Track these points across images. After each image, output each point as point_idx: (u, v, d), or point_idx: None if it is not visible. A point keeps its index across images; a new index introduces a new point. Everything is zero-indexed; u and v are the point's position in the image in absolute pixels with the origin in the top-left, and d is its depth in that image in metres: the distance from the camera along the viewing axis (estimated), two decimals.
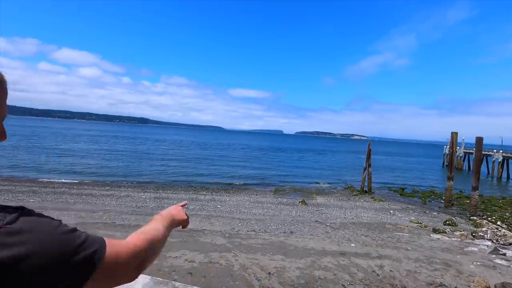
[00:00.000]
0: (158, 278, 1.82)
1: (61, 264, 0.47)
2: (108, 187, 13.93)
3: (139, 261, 0.64)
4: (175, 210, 0.99)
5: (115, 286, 0.60)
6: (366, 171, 17.02)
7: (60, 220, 0.56)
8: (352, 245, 6.51)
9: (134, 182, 16.23)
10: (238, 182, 18.74)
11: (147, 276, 1.86)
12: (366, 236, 7.62)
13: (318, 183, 20.31)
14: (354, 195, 16.00)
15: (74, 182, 14.93)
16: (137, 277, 0.67)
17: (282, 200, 13.39)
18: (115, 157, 28.37)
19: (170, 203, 10.99)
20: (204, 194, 13.61)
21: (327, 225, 8.74)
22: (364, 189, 16.95)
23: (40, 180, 15.01)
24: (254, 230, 7.60)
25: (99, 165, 21.93)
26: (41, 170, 18.18)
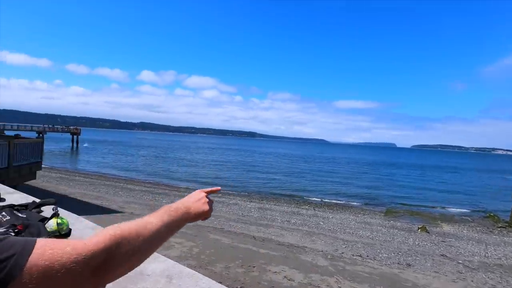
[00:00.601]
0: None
1: None
2: (220, 195, 15.48)
3: (96, 263, 0.48)
4: (194, 199, 0.78)
5: None
6: None
7: None
8: None
9: (242, 192, 17.50)
10: (343, 199, 17.55)
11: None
12: None
13: (444, 207, 16.78)
14: (500, 227, 12.35)
15: (193, 188, 17.28)
16: (104, 281, 0.51)
17: (396, 223, 11.64)
18: (226, 167, 31.63)
19: (273, 214, 11.23)
20: (306, 209, 13.32)
21: (460, 263, 6.96)
22: None
23: (170, 184, 18.17)
24: (360, 255, 6.80)
25: (214, 175, 24.88)
26: (171, 177, 22.07)
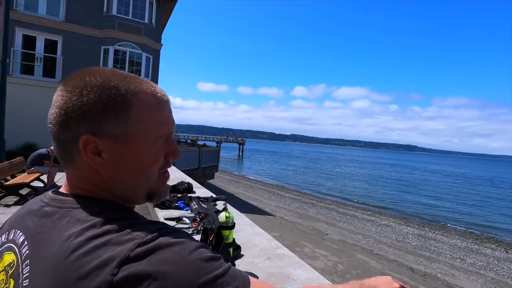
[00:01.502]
0: None
1: None
2: (370, 212, 14.24)
3: None
4: (385, 284, 0.61)
5: None
6: None
7: (203, 244, 0.47)
8: None
9: (397, 213, 15.37)
10: None
11: None
12: None
13: None
14: None
15: (341, 202, 16.82)
16: None
17: None
18: (379, 183, 28.77)
19: (438, 246, 9.18)
20: (492, 248, 10.02)
21: None
22: None
23: (317, 196, 18.43)
24: None
25: (365, 189, 23.23)
26: (318, 187, 22.36)
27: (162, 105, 0.52)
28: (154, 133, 0.51)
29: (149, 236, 0.42)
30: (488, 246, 10.38)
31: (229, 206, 3.23)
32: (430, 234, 10.95)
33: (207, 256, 0.43)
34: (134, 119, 0.48)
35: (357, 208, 15.12)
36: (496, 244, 10.76)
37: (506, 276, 7.02)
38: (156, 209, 2.98)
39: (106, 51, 12.44)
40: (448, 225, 13.62)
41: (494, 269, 7.53)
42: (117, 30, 12.26)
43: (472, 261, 7.94)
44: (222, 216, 1.81)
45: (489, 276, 6.81)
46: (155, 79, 14.49)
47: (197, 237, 1.99)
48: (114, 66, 12.86)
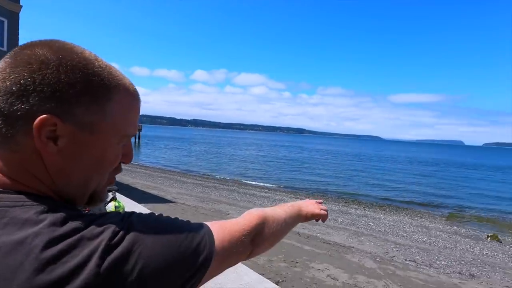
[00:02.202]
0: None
1: (175, 276, 0.42)
2: (266, 190, 15.70)
3: (251, 237, 0.61)
4: (306, 203, 0.93)
5: (232, 265, 0.57)
6: None
7: (175, 218, 0.51)
8: None
9: (288, 188, 17.46)
10: (398, 198, 16.35)
11: (276, 285, 1.84)
12: None
13: None
14: None
15: (241, 182, 17.87)
16: (254, 252, 0.65)
17: (459, 230, 10.47)
18: (274, 163, 31.80)
19: None
20: (355, 208, 12.75)
21: None
22: None
23: (219, 178, 18.99)
24: (414, 261, 6.30)
25: (262, 170, 25.26)
26: (221, 171, 23.03)
27: (136, 104, 0.51)
28: (123, 131, 0.48)
29: (122, 222, 0.41)
30: (352, 207, 13.13)
31: (123, 197, 3.00)
32: None
33: (174, 219, 0.50)
34: (109, 113, 0.44)
35: (255, 187, 16.39)
36: (358, 205, 13.73)
37: (362, 228, 9.12)
38: None
39: None
40: (327, 194, 16.46)
41: (356, 224, 9.64)
42: None
43: (341, 220, 9.92)
44: (110, 207, 1.70)
45: (352, 229, 8.70)
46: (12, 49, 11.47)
47: None
48: None
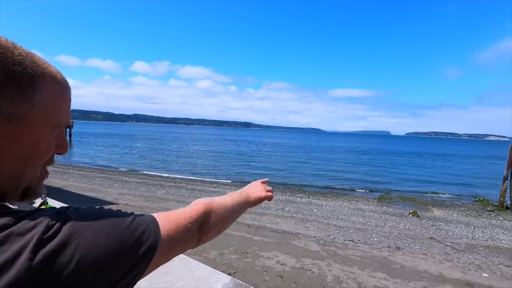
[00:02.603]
0: (238, 281, 1.83)
1: (118, 266, 0.42)
2: (216, 185, 15.61)
3: (198, 224, 0.64)
4: (252, 187, 0.97)
5: (180, 252, 0.60)
6: (508, 182, 13.28)
7: (116, 211, 0.50)
8: (484, 275, 5.11)
9: (237, 182, 17.63)
10: (338, 186, 17.82)
11: (228, 276, 1.89)
12: (507, 266, 5.87)
13: (435, 193, 17.15)
14: (489, 210, 12.70)
15: (189, 179, 17.44)
16: (203, 239, 0.68)
17: (388, 209, 11.90)
18: (223, 158, 31.71)
19: (267, 203, 11.38)
20: (300, 197, 13.51)
21: (447, 245, 7.20)
22: (505, 204, 13.24)
23: (166, 176, 18.23)
24: (352, 240, 6.98)
25: (211, 165, 24.97)
26: (167, 168, 22.11)
27: (66, 92, 0.49)
28: (55, 120, 0.46)
29: (58, 215, 0.40)
30: (298, 196, 13.89)
31: (54, 202, 2.70)
32: None
33: (116, 211, 0.49)
34: (38, 102, 0.42)
35: (204, 183, 16.17)
36: (303, 194, 14.57)
37: (307, 215, 9.74)
38: None
39: None
40: (275, 185, 17.08)
41: (301, 212, 10.24)
42: None
43: (288, 209, 10.43)
44: None
45: (298, 217, 9.23)
46: None
47: None
48: None
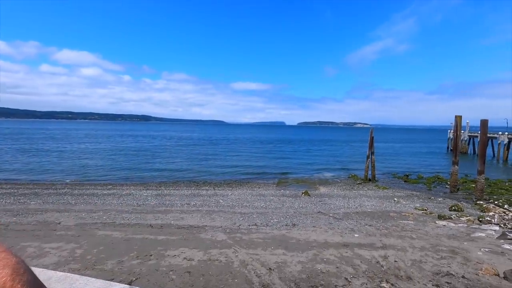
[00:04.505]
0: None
1: None
2: (110, 186, 13.90)
3: None
4: None
5: None
6: (369, 159, 16.80)
7: None
8: (356, 235, 6.37)
9: (137, 181, 16.19)
10: (241, 175, 18.65)
11: (126, 286, 1.72)
12: (370, 225, 7.48)
13: (321, 173, 20.15)
14: (358, 183, 15.82)
15: (76, 183, 14.95)
16: None
17: (285, 192, 13.27)
18: (119, 156, 28.41)
19: (172, 200, 10.93)
20: (206, 189, 13.53)
21: (330, 216, 8.61)
22: (368, 177, 16.77)
23: (43, 182, 15.05)
24: (255, 224, 7.49)
25: (104, 165, 21.97)
26: (44, 172, 18.24)
27: None
28: None
29: None
30: (204, 188, 13.86)
31: None
32: (166, 191, 12.73)
33: None
34: None
35: (95, 185, 14.18)
36: (208, 186, 14.63)
37: (213, 206, 9.86)
38: None
39: None
40: (178, 180, 16.50)
41: (207, 204, 10.28)
42: None
43: (194, 203, 10.30)
44: None
45: (204, 210, 9.24)
46: None
47: None
48: None
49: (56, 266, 4.18)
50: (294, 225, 7.50)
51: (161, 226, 7.01)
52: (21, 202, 9.97)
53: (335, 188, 14.53)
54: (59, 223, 7.17)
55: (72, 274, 1.63)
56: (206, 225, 7.24)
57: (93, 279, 1.63)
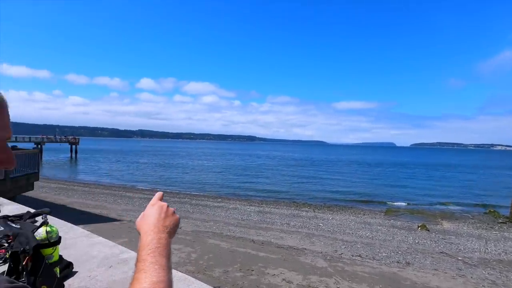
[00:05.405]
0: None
1: None
2: (220, 200, 15.48)
3: None
4: (163, 214, 0.60)
5: None
6: None
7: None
8: None
9: (242, 196, 17.48)
10: (343, 199, 17.55)
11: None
12: None
13: (444, 204, 16.78)
14: (500, 223, 12.34)
15: (193, 194, 17.35)
16: None
17: (396, 223, 11.63)
18: (227, 172, 31.62)
19: (272, 218, 11.22)
20: (306, 211, 13.31)
21: (459, 260, 6.96)
22: None
23: (170, 191, 18.17)
24: (360, 255, 6.79)
25: (215, 180, 24.88)
26: (171, 182, 22.07)
27: (2, 108, 0.50)
28: None
29: None
30: (304, 210, 13.68)
31: (55, 220, 2.68)
32: (267, 209, 13.21)
33: None
34: None
35: (208, 198, 16.05)
36: (308, 208, 14.36)
37: (313, 229, 9.55)
38: None
39: None
40: (279, 199, 16.89)
41: (307, 226, 10.06)
42: None
43: (294, 224, 10.25)
44: (41, 233, 1.50)
45: (304, 232, 9.05)
46: None
47: (4, 268, 1.55)
48: None
49: (176, 265, 4.87)
50: (408, 263, 6.42)
51: (262, 243, 7.25)
52: None
53: (465, 225, 11.76)
54: (180, 228, 8.41)
55: (189, 277, 1.84)
56: (305, 248, 7.05)
57: (205, 285, 1.79)
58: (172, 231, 0.60)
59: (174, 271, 2.37)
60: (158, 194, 0.67)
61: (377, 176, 32.50)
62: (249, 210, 12.71)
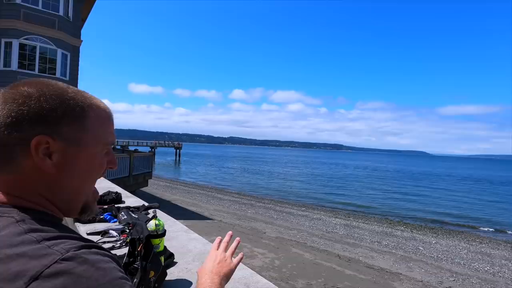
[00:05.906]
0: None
1: None
2: (304, 208, 15.26)
3: None
4: (221, 263, 0.81)
5: None
6: None
7: (117, 268, 0.45)
8: None
9: (327, 207, 16.79)
10: (451, 222, 14.79)
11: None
12: None
13: None
14: None
15: (279, 201, 17.63)
16: None
17: None
18: (312, 180, 31.02)
19: (361, 233, 10.35)
20: (401, 230, 11.77)
21: None
22: None
23: (256, 196, 18.96)
24: None
25: (299, 188, 24.75)
26: (257, 187, 23.02)
27: (110, 118, 0.59)
28: (104, 139, 0.56)
29: (68, 254, 0.41)
30: (398, 228, 12.14)
31: (162, 214, 3.12)
32: (355, 223, 12.28)
33: (117, 275, 0.43)
34: (89, 127, 0.53)
35: (292, 205, 16.02)
36: (404, 227, 12.67)
37: (410, 252, 8.34)
38: (77, 224, 2.69)
39: (8, 45, 10.68)
40: (368, 214, 15.48)
41: (403, 248, 8.86)
42: (22, 21, 10.63)
43: (386, 243, 9.19)
44: (151, 224, 1.75)
45: (399, 254, 8.00)
46: (74, 79, 12.96)
47: (125, 250, 1.88)
48: (20, 63, 11.10)
49: (260, 270, 4.99)
50: None
51: (349, 260, 6.74)
52: (242, 210, 12.98)
53: None
54: (264, 233, 8.65)
55: (273, 285, 1.83)
56: (401, 273, 6.20)
57: None
58: (225, 276, 0.78)
59: (259, 277, 2.41)
60: (218, 240, 0.89)
61: (501, 197, 26.16)
62: (334, 222, 12.08)
